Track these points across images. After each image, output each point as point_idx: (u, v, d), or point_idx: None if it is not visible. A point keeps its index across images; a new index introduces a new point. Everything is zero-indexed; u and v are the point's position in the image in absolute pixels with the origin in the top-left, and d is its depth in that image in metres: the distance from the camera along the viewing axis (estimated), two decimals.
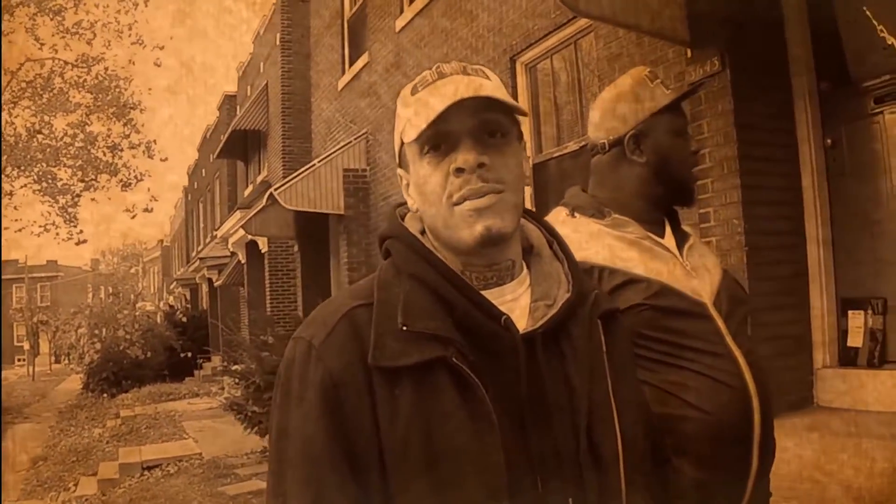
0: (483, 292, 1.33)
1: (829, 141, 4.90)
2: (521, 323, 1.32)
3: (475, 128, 1.31)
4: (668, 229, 2.10)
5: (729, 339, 1.94)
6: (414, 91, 1.37)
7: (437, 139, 1.32)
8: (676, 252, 2.04)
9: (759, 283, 4.60)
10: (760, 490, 1.94)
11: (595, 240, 1.97)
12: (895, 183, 4.62)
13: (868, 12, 4.57)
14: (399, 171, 1.45)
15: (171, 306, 29.48)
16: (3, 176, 21.47)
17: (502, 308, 1.31)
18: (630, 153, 2.06)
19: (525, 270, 1.43)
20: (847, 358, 4.75)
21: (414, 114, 1.34)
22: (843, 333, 4.80)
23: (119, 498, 9.09)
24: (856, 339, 4.70)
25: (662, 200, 2.10)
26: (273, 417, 1.32)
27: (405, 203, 1.46)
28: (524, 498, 1.25)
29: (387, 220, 1.46)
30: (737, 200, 4.69)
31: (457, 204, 1.30)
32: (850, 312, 4.76)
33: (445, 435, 1.22)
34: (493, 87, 1.34)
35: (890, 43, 4.43)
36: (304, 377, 1.27)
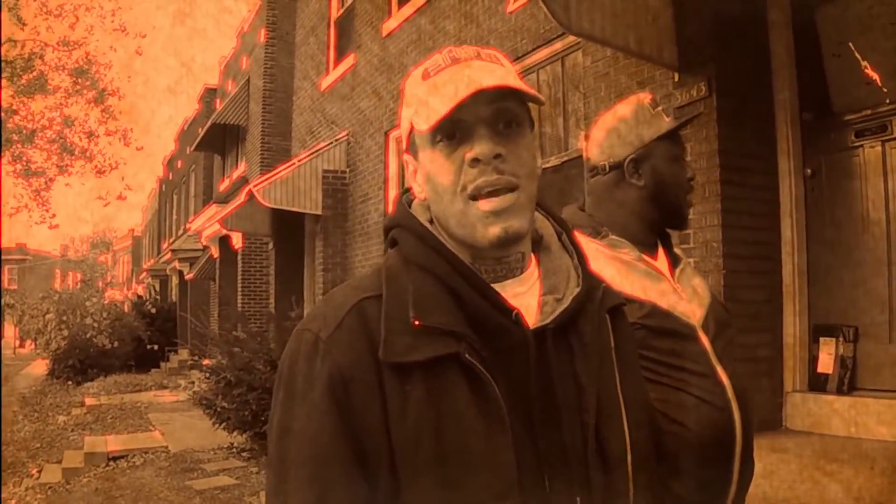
0: (493, 285, 1.29)
1: (809, 171, 5.02)
2: (531, 317, 1.29)
3: (491, 117, 1.27)
4: (660, 252, 2.17)
5: (715, 361, 2.01)
6: (426, 75, 1.32)
7: (452, 128, 1.27)
8: (668, 275, 2.12)
9: (734, 305, 4.69)
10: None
11: (592, 258, 2.03)
12: (871, 215, 4.74)
13: (853, 47, 4.70)
14: (406, 156, 1.39)
15: (139, 296, 29.29)
16: None
17: (512, 302, 1.27)
18: (629, 176, 2.14)
19: (534, 263, 1.39)
20: (817, 383, 4.86)
21: (428, 100, 1.28)
22: (813, 359, 4.91)
23: (84, 487, 9.03)
24: (826, 366, 4.81)
25: (657, 223, 2.18)
26: (275, 413, 1.26)
27: (410, 189, 1.41)
28: (532, 497, 1.22)
29: (394, 206, 1.41)
30: (717, 224, 4.80)
31: (472, 198, 1.26)
32: (821, 339, 4.87)
33: (457, 433, 1.19)
34: (512, 75, 1.31)
35: (873, 79, 4.55)
36: (310, 372, 1.22)
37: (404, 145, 1.39)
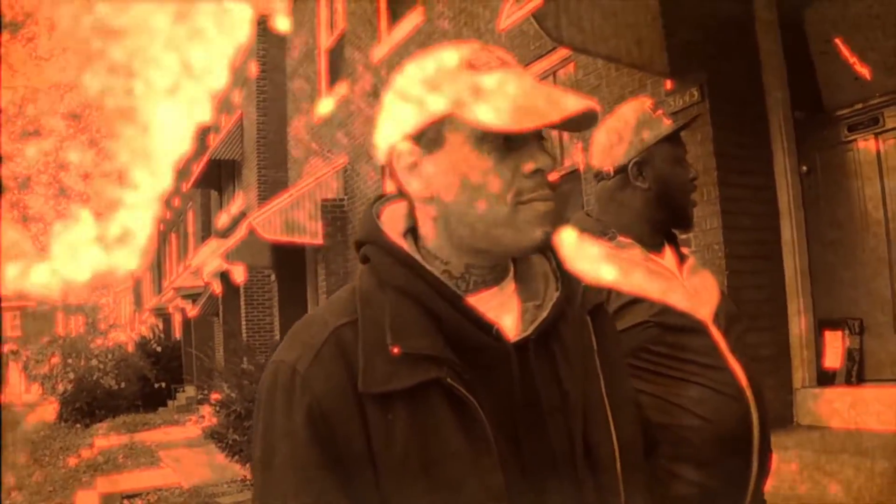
0: (480, 293, 1.26)
1: (804, 168, 5.09)
2: (512, 327, 1.26)
3: (539, 130, 1.22)
4: (668, 251, 2.23)
5: (728, 354, 2.06)
6: (472, 67, 1.22)
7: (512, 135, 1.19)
8: (677, 273, 2.17)
9: (739, 305, 4.70)
10: (757, 494, 2.07)
11: (603, 260, 2.09)
12: (868, 207, 4.81)
13: (841, 44, 4.77)
14: (405, 145, 1.25)
15: (143, 336, 29.29)
16: None
17: (497, 311, 1.25)
18: (633, 179, 2.19)
19: (511, 269, 1.33)
20: (825, 377, 4.90)
21: (494, 101, 1.18)
22: (820, 354, 4.95)
23: None
24: (834, 359, 4.85)
25: (663, 224, 2.23)
26: (256, 448, 1.22)
27: (382, 197, 1.35)
28: None
29: (362, 220, 1.33)
30: (717, 226, 4.85)
31: (521, 202, 1.20)
32: (827, 333, 4.92)
33: (442, 458, 1.15)
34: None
35: (862, 74, 4.62)
36: (289, 406, 1.17)
37: (409, 132, 1.25)
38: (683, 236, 4.81)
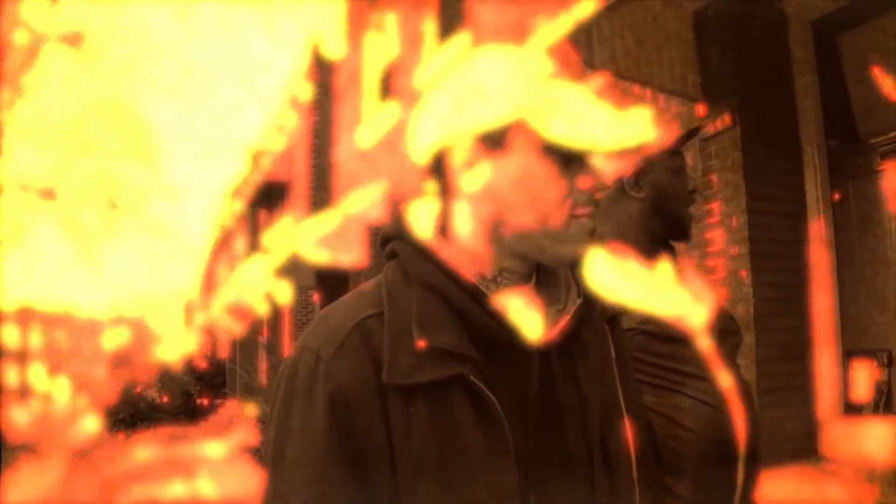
0: (505, 293, 1.23)
1: (836, 196, 5.03)
2: (535, 329, 1.22)
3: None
4: (664, 263, 2.22)
5: (717, 365, 2.05)
6: (552, 75, 1.19)
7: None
8: (671, 283, 2.16)
9: (765, 334, 4.69)
10: None
11: (593, 269, 2.09)
12: None
13: (876, 72, 4.72)
14: (467, 141, 1.22)
15: (187, 352, 29.56)
16: None
17: (522, 311, 1.22)
18: (630, 189, 2.20)
19: (535, 272, 1.33)
20: (852, 409, 4.81)
21: (563, 109, 1.17)
22: (847, 385, 4.87)
23: None
24: (861, 391, 4.77)
25: (660, 235, 2.23)
26: (271, 435, 1.22)
27: (410, 195, 1.32)
28: None
29: (392, 217, 1.34)
30: (745, 253, 4.81)
31: (574, 217, 1.23)
32: (854, 364, 4.84)
33: (459, 454, 1.15)
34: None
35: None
36: (310, 393, 1.17)
37: (476, 130, 1.21)
38: (711, 262, 4.83)
